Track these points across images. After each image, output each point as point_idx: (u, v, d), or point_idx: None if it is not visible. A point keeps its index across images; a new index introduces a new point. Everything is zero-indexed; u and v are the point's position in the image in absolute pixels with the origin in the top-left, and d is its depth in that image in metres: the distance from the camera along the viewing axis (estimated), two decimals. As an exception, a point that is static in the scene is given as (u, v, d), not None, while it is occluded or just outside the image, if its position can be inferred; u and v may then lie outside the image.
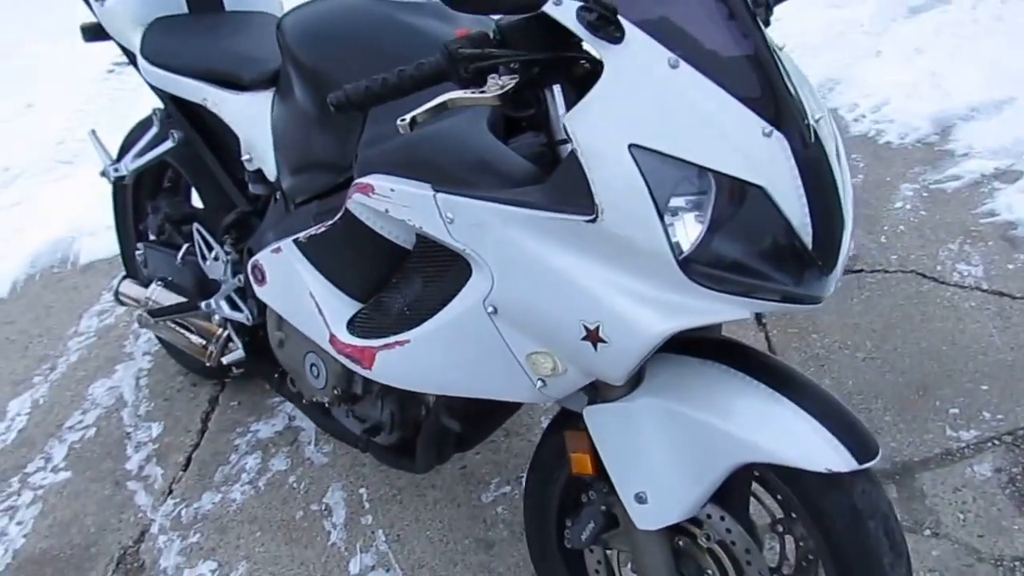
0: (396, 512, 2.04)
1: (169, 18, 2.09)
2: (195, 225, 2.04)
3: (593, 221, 1.10)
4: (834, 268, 1.14)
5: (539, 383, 1.26)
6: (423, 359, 1.38)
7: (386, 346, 1.41)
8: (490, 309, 1.24)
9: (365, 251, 1.47)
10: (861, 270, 2.49)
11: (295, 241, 1.59)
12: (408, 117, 1.11)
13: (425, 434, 1.67)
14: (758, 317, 2.40)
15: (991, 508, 1.81)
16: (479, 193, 1.21)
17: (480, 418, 1.66)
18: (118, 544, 2.10)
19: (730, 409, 1.21)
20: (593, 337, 1.15)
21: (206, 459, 2.29)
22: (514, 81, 1.12)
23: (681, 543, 1.37)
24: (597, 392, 1.30)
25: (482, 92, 1.12)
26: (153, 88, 2.07)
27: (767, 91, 1.11)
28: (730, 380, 1.24)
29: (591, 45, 1.09)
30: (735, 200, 1.08)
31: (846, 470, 1.14)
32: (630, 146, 1.07)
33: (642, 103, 1.09)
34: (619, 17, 1.07)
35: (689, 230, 1.07)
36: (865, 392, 2.14)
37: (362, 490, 2.11)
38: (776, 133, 1.08)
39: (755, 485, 1.34)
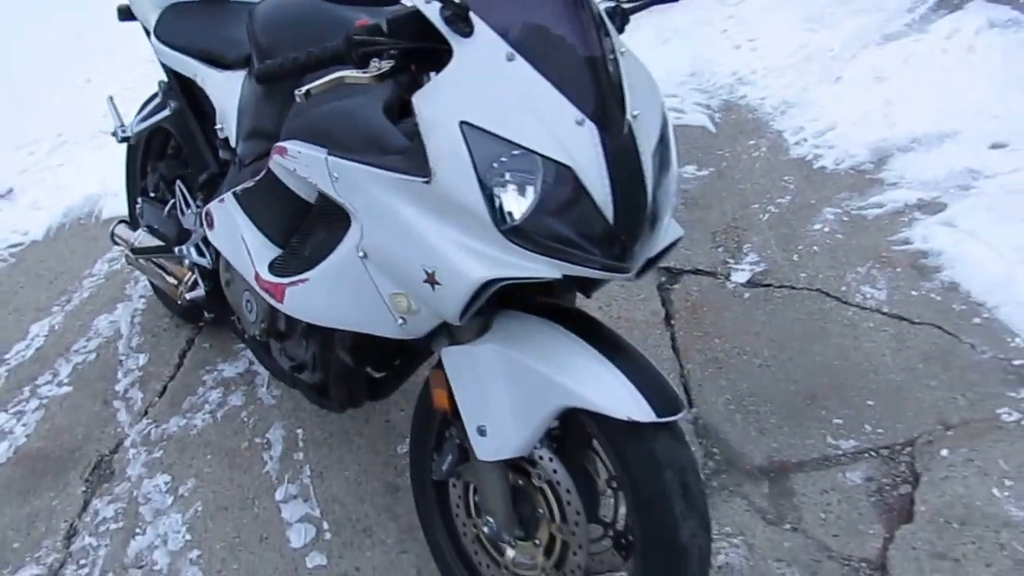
0: (324, 452, 2.26)
1: (182, 3, 2.31)
2: (178, 183, 2.26)
3: (428, 183, 1.26)
4: (635, 244, 1.28)
5: (400, 320, 1.42)
6: (317, 295, 1.56)
7: (292, 283, 1.61)
8: (361, 254, 1.42)
9: (281, 203, 1.67)
10: (770, 284, 2.57)
11: (234, 193, 1.80)
12: (304, 89, 1.28)
13: (335, 373, 1.83)
14: (667, 319, 2.52)
15: (852, 512, 1.88)
16: (357, 158, 1.39)
17: (371, 356, 1.78)
18: (97, 452, 2.38)
19: (557, 360, 1.34)
20: (431, 280, 1.30)
21: (178, 389, 2.55)
22: (390, 65, 1.28)
23: (520, 482, 1.51)
24: (454, 336, 1.45)
25: (365, 72, 1.28)
26: (161, 63, 2.27)
27: (588, 87, 1.24)
28: (562, 338, 1.37)
29: (447, 36, 1.24)
30: (552, 177, 1.22)
31: (645, 420, 1.28)
32: (461, 122, 1.22)
33: (478, 88, 1.24)
34: (471, 15, 1.22)
35: (515, 199, 1.22)
36: (757, 396, 2.22)
37: (299, 430, 2.34)
38: (588, 123, 1.22)
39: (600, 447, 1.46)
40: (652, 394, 1.30)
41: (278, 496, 2.15)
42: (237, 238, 1.78)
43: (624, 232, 1.25)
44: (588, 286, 1.55)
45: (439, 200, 1.27)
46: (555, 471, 1.46)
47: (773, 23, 3.86)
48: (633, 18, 1.56)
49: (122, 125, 2.48)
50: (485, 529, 1.56)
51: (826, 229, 2.71)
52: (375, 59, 1.27)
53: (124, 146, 2.63)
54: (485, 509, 1.56)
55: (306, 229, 1.63)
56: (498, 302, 1.40)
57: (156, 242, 2.38)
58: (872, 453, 2.02)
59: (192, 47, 2.12)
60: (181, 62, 2.15)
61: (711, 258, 2.70)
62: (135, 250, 2.40)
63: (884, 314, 2.38)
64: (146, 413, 2.47)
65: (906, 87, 3.20)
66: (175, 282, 2.32)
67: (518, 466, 1.51)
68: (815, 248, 2.65)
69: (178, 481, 2.23)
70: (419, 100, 1.26)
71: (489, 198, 1.22)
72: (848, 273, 2.54)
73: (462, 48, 1.24)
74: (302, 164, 1.51)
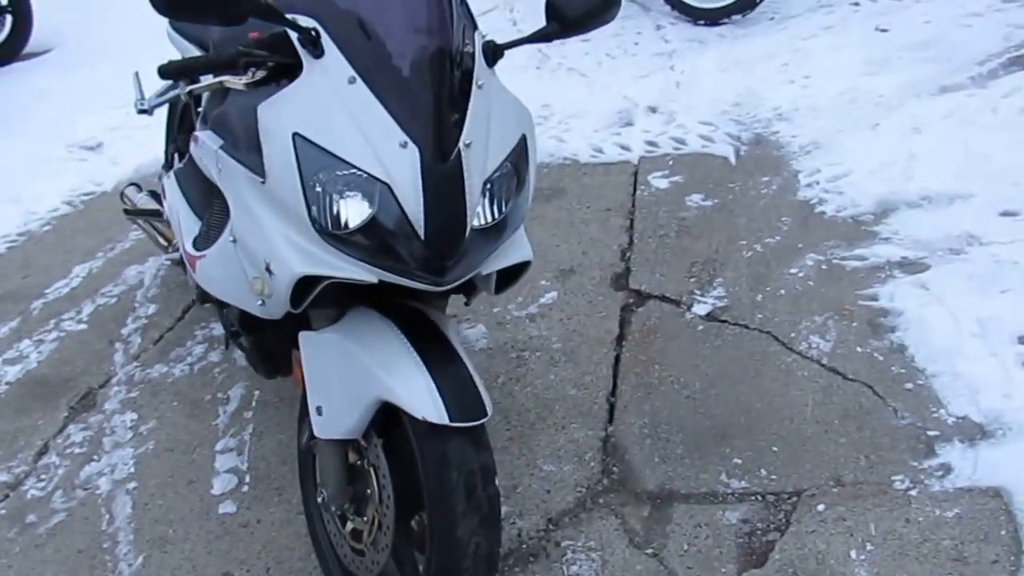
0: (269, 415, 2.47)
1: None
2: (174, 156, 2.55)
3: (263, 183, 1.42)
4: (449, 260, 1.38)
5: (259, 302, 1.56)
6: (212, 269, 1.75)
7: (199, 257, 1.81)
8: (231, 239, 1.59)
9: (200, 185, 1.87)
10: (726, 321, 2.57)
11: (174, 172, 2.04)
12: (188, 88, 1.48)
13: (252, 342, 1.96)
14: (619, 339, 2.58)
15: (715, 549, 1.91)
16: (234, 153, 1.56)
17: (255, 331, 1.87)
18: (88, 385, 2.68)
19: (382, 357, 1.46)
20: (269, 269, 1.45)
21: (171, 340, 2.83)
22: (261, 75, 1.44)
23: (358, 463, 1.65)
24: (311, 322, 1.60)
25: (240, 79, 1.46)
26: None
27: (420, 114, 1.36)
28: (393, 339, 1.48)
29: (301, 55, 1.39)
30: (371, 192, 1.35)
31: (438, 422, 1.39)
32: (294, 134, 1.36)
33: (316, 105, 1.38)
34: (323, 39, 1.37)
35: (335, 207, 1.36)
36: (672, 424, 2.25)
37: (256, 392, 2.55)
38: (411, 146, 1.34)
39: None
40: (454, 400, 1.40)
41: (217, 447, 2.36)
42: (174, 212, 2.02)
43: (437, 248, 1.36)
44: (467, 293, 1.66)
45: (272, 198, 1.41)
46: (377, 456, 1.58)
47: (834, 61, 3.77)
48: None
49: (141, 99, 2.80)
50: (319, 499, 1.72)
51: (801, 274, 2.67)
52: (253, 68, 1.44)
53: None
54: (321, 481, 1.71)
55: (212, 211, 1.82)
56: (347, 298, 1.53)
57: (154, 205, 2.68)
58: (758, 497, 2.03)
59: (194, 37, 2.37)
60: (186, 49, 2.41)
61: (681, 287, 2.74)
62: (126, 211, 2.72)
63: (822, 365, 2.35)
64: (138, 357, 2.75)
65: (937, 142, 3.06)
66: (165, 243, 2.61)
67: (355, 449, 1.64)
68: (782, 291, 2.62)
69: (142, 420, 2.49)
70: (261, 109, 1.40)
71: (311, 204, 1.35)
72: (804, 320, 2.50)
73: (311, 67, 1.38)
74: (204, 152, 1.70)
